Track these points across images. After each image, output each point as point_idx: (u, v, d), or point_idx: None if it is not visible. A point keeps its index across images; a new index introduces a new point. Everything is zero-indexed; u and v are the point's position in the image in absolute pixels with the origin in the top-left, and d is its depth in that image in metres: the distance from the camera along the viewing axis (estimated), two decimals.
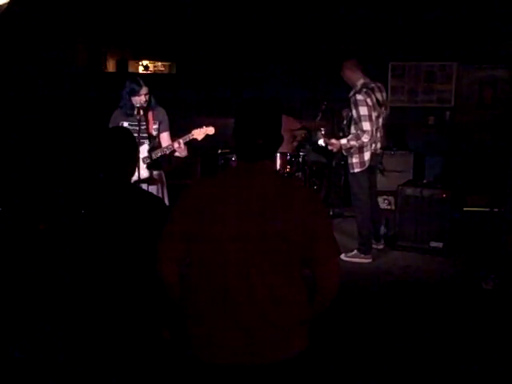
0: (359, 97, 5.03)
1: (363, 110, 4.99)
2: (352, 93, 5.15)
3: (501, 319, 3.90)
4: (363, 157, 5.14)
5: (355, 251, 5.26)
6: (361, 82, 5.15)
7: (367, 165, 5.16)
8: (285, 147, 6.16)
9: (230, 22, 7.84)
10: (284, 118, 7.37)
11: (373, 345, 3.54)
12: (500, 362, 3.34)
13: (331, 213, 6.56)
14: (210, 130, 4.16)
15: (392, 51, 7.74)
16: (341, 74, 5.25)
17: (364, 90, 5.07)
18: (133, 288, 2.21)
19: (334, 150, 5.18)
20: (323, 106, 6.40)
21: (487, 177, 6.75)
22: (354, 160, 5.15)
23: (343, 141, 5.09)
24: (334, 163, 7.01)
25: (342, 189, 7.44)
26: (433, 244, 5.45)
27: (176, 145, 4.06)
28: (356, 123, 5.06)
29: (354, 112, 5.06)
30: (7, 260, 3.89)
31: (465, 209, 5.99)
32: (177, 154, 4.14)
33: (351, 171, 5.21)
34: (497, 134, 7.27)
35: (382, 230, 5.93)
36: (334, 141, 5.14)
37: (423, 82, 7.91)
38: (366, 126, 4.97)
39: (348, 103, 5.21)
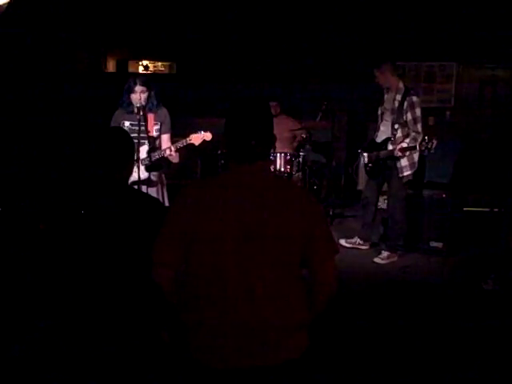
0: (415, 98, 5.03)
1: (419, 112, 5.01)
2: (400, 96, 5.08)
3: (501, 319, 3.89)
4: (413, 158, 5.10)
5: (388, 252, 5.25)
6: (401, 83, 5.17)
7: (416, 166, 5.16)
8: (285, 147, 6.17)
9: (230, 22, 7.84)
10: (284, 118, 7.40)
11: (373, 345, 3.54)
12: (500, 362, 3.34)
13: (331, 213, 6.55)
14: (208, 136, 4.13)
15: (392, 51, 7.73)
16: (378, 74, 5.15)
17: (414, 91, 5.12)
18: (131, 289, 2.20)
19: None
20: (323, 106, 6.41)
21: (487, 177, 6.75)
22: (404, 163, 5.08)
23: (404, 145, 4.99)
24: (333, 163, 7.01)
25: (342, 189, 7.44)
26: (433, 244, 5.45)
27: (168, 152, 4.05)
28: (410, 125, 5.02)
29: (409, 114, 5.00)
30: (7, 260, 3.88)
31: (465, 209, 5.99)
32: (170, 158, 4.14)
33: (400, 175, 5.13)
34: (497, 134, 7.27)
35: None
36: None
37: (423, 82, 7.91)
38: (421, 127, 4.99)
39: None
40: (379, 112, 5.36)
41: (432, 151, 4.87)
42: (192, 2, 7.72)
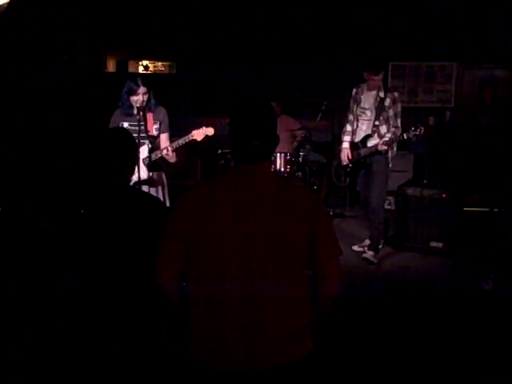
0: (397, 94, 5.14)
1: (399, 107, 5.10)
2: (383, 93, 5.06)
3: (501, 319, 3.90)
4: (394, 151, 5.20)
5: (372, 252, 5.22)
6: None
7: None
8: (285, 147, 6.17)
9: (230, 22, 7.84)
10: (284, 118, 7.35)
11: (373, 345, 3.54)
12: (500, 362, 3.34)
13: (331, 213, 6.56)
14: (210, 131, 4.14)
15: (392, 51, 7.74)
16: (379, 78, 5.05)
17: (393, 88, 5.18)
18: (131, 289, 2.20)
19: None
20: (323, 106, 6.40)
21: (487, 177, 6.75)
22: (390, 155, 5.15)
23: (386, 138, 5.02)
24: (334, 163, 7.00)
25: (342, 189, 7.43)
26: (433, 244, 5.45)
27: (164, 152, 4.04)
28: (391, 121, 5.05)
29: (391, 110, 5.05)
30: (7, 260, 3.89)
31: (465, 209, 5.99)
32: (167, 159, 4.13)
33: (389, 166, 5.19)
34: (497, 134, 7.28)
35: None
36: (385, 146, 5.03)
37: (423, 82, 7.92)
38: (400, 122, 5.08)
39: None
40: (354, 113, 5.24)
41: (421, 138, 5.01)
42: (192, 2, 7.73)
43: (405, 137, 5.00)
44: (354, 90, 5.26)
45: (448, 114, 7.91)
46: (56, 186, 5.27)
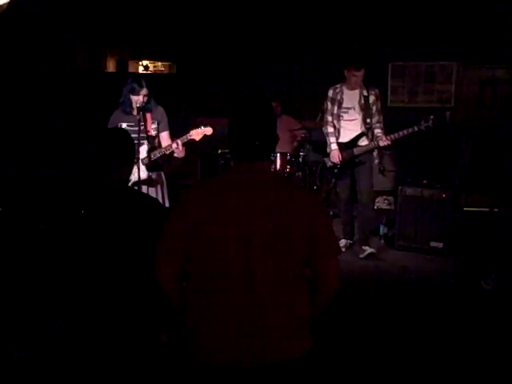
0: (378, 91, 5.26)
1: (380, 103, 5.25)
2: (365, 91, 5.16)
3: (501, 319, 3.90)
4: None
5: (367, 246, 5.29)
6: None
7: None
8: (285, 147, 6.17)
9: (229, 22, 7.84)
10: (284, 118, 7.36)
11: (373, 345, 3.54)
12: (500, 362, 3.34)
13: (331, 213, 6.55)
14: (208, 131, 4.13)
15: (392, 51, 7.74)
16: (361, 73, 5.11)
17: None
18: (131, 290, 2.20)
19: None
20: (323, 106, 6.38)
21: (487, 177, 6.75)
22: (377, 151, 5.26)
23: (379, 133, 5.16)
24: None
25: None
26: (433, 244, 5.45)
27: (174, 145, 4.03)
28: (376, 115, 5.18)
29: (375, 106, 5.18)
30: (7, 260, 3.89)
31: (465, 209, 5.99)
32: (175, 154, 4.12)
33: (374, 164, 5.29)
34: (497, 134, 7.28)
35: (382, 229, 5.93)
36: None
37: (423, 82, 7.91)
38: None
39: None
40: (335, 114, 5.27)
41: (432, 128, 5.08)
42: (192, 3, 7.72)
43: (416, 129, 5.05)
44: (331, 91, 5.30)
45: (448, 113, 7.91)
46: (56, 187, 5.27)
